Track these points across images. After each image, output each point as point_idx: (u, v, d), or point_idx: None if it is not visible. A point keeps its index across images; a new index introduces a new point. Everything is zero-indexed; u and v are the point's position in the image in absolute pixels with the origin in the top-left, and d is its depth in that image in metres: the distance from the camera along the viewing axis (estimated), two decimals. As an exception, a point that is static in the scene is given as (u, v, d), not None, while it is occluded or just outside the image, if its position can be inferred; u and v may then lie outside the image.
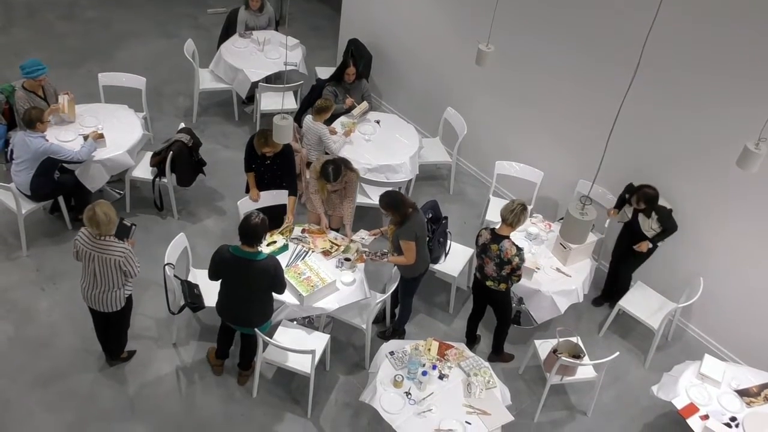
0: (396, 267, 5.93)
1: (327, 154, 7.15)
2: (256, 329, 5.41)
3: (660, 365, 6.34)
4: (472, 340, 6.39)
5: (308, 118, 7.16)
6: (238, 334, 5.84)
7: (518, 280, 5.72)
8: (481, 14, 6.76)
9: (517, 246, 5.55)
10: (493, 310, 6.08)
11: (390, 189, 5.90)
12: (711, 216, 6.21)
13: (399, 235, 5.67)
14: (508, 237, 5.56)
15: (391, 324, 6.46)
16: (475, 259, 5.84)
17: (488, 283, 5.76)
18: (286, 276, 5.69)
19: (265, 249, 5.64)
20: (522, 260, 5.57)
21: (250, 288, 5.24)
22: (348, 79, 7.87)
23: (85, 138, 6.76)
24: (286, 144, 6.49)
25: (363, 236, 6.12)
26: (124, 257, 5.11)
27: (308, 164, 7.01)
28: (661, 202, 6.13)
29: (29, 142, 6.29)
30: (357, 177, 6.48)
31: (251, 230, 5.06)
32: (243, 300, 5.31)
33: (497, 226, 5.64)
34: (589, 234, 5.51)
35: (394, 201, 5.65)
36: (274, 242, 6.03)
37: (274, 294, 5.41)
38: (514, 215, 5.46)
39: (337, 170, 6.13)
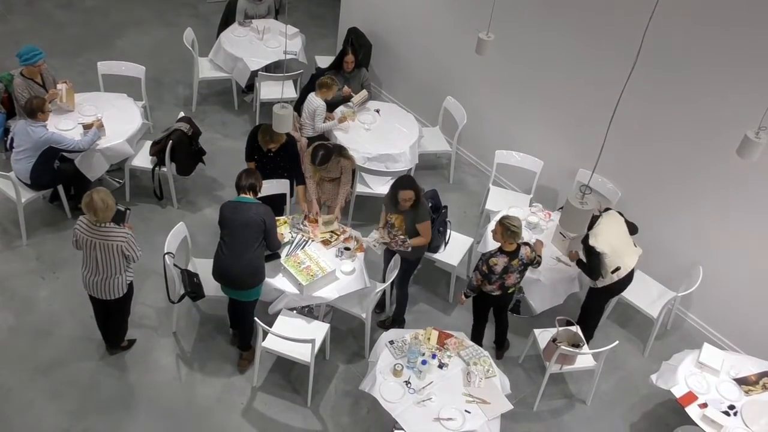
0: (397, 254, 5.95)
1: (323, 136, 7.18)
2: (256, 300, 5.50)
3: (659, 354, 6.35)
4: (479, 339, 6.20)
5: (311, 94, 7.17)
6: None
7: (539, 264, 5.80)
8: (481, 3, 6.73)
9: (527, 244, 5.59)
10: (497, 309, 6.04)
11: (403, 174, 5.88)
12: (710, 205, 6.21)
13: (416, 219, 5.74)
14: (519, 246, 5.54)
15: (392, 314, 6.47)
16: (487, 286, 5.65)
17: (511, 290, 5.75)
18: (285, 265, 5.71)
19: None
20: (533, 249, 5.65)
21: (243, 233, 5.36)
22: (347, 68, 7.84)
23: (85, 127, 6.76)
24: (289, 135, 6.48)
25: (375, 237, 5.99)
26: (126, 242, 5.13)
27: (309, 142, 6.95)
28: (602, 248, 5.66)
29: (31, 132, 6.28)
30: (352, 164, 6.46)
31: (247, 184, 5.51)
32: (236, 250, 5.38)
33: (500, 248, 5.53)
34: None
35: (415, 183, 5.71)
36: (281, 234, 6.00)
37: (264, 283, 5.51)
38: (517, 236, 5.41)
39: (325, 156, 6.11)
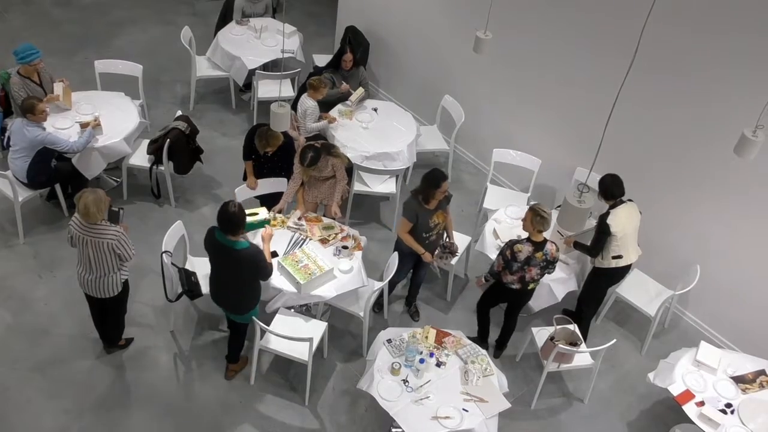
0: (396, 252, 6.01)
1: (320, 135, 7.17)
2: (251, 318, 5.44)
3: (656, 352, 6.37)
4: (484, 338, 6.30)
5: (304, 95, 7.17)
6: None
7: (554, 269, 5.79)
8: (479, 2, 6.73)
9: (554, 243, 5.61)
10: (511, 305, 6.04)
11: (429, 172, 5.79)
12: (708, 203, 6.22)
13: (448, 203, 5.92)
14: (546, 240, 5.56)
15: (412, 299, 6.57)
16: (508, 275, 5.69)
17: (531, 286, 5.75)
18: (283, 264, 5.70)
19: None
20: (559, 249, 5.71)
21: (233, 275, 5.24)
22: (345, 66, 7.84)
23: (82, 126, 6.75)
24: (287, 135, 6.48)
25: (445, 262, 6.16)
26: (116, 240, 5.11)
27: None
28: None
29: (26, 132, 6.27)
30: (342, 162, 6.45)
31: (229, 219, 4.98)
32: (229, 285, 5.32)
33: (528, 237, 5.54)
34: (587, 221, 5.51)
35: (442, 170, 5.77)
36: (256, 214, 5.80)
37: (262, 282, 5.43)
38: (549, 222, 5.44)
39: (314, 157, 6.10)
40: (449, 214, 6.05)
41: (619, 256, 5.88)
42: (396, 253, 5.97)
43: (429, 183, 5.65)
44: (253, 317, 5.41)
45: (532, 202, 6.85)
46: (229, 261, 5.14)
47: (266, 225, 5.77)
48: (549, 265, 5.63)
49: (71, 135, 6.63)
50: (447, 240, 6.14)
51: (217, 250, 5.19)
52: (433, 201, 5.73)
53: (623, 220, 5.78)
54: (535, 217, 5.40)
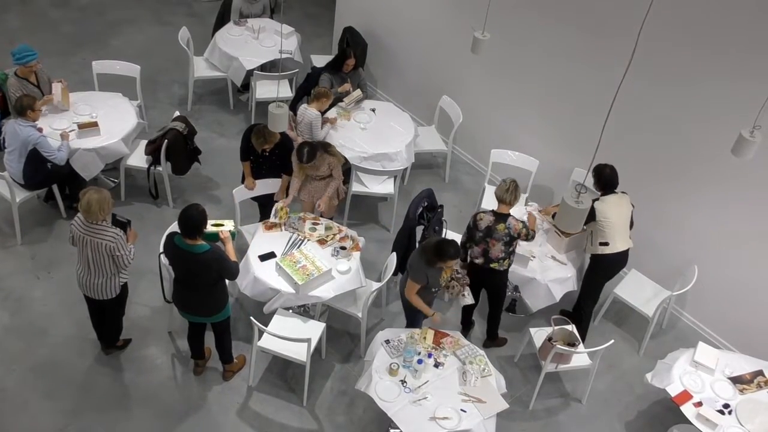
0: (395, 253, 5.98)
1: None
2: (230, 315, 5.45)
3: (654, 353, 6.37)
4: (467, 327, 6.42)
5: (303, 106, 7.13)
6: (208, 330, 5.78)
7: (533, 238, 5.82)
8: (477, 2, 6.73)
9: (521, 220, 5.71)
10: (489, 293, 6.10)
11: (442, 244, 5.35)
12: (706, 204, 6.22)
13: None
14: (509, 215, 5.64)
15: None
16: (473, 247, 5.80)
17: (493, 265, 5.75)
18: (281, 265, 5.70)
19: (208, 227, 5.22)
20: (526, 225, 5.73)
21: (197, 280, 5.13)
22: (346, 69, 7.84)
23: (80, 126, 6.74)
24: (284, 135, 6.47)
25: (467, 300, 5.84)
26: (115, 243, 5.09)
27: None
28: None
29: (19, 131, 6.27)
30: (339, 161, 6.45)
31: (188, 221, 4.87)
32: (197, 291, 5.21)
33: (495, 208, 5.70)
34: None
35: (454, 244, 5.41)
36: (221, 224, 5.60)
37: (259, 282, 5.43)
38: (511, 193, 5.60)
39: (311, 153, 6.12)
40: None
41: (606, 243, 5.96)
42: (394, 254, 5.98)
43: (436, 250, 5.27)
44: (252, 318, 5.41)
45: (530, 204, 6.89)
46: (192, 266, 5.03)
47: (234, 236, 5.63)
48: (513, 240, 5.66)
49: (62, 147, 6.53)
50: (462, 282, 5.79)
51: (178, 258, 5.07)
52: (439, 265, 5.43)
53: (610, 208, 5.87)
54: (501, 183, 5.61)
